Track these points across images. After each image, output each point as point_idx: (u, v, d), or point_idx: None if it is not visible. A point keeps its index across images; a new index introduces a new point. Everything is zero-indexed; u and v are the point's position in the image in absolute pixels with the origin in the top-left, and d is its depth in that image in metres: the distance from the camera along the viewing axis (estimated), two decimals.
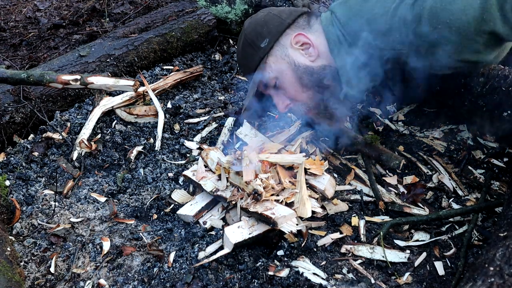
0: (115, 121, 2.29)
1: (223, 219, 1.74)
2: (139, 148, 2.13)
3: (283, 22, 1.88)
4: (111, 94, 2.38)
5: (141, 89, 2.35)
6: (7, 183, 1.89)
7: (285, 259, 1.58)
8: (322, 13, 1.93)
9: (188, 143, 2.16)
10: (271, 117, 2.28)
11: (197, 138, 2.20)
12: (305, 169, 1.77)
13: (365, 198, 1.82)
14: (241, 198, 1.68)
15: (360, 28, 1.76)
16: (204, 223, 1.73)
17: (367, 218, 1.73)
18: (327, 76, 1.87)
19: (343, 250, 1.61)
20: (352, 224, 1.71)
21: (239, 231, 1.57)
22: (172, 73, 2.61)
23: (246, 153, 1.74)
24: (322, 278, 1.51)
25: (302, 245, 1.62)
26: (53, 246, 1.67)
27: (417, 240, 1.65)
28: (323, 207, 1.77)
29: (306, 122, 2.08)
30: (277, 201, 1.65)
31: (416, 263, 1.57)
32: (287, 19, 1.89)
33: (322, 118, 2.00)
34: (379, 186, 1.85)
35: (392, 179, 1.91)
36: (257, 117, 2.18)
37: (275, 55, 1.88)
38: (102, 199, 1.89)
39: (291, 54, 1.87)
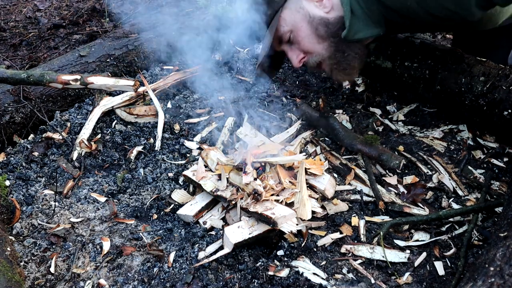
0: (115, 121, 2.29)
1: (223, 219, 1.74)
2: (139, 148, 2.13)
3: None
4: (111, 94, 2.38)
5: (141, 89, 2.35)
6: (7, 183, 1.89)
7: (285, 259, 1.58)
8: None
9: (188, 143, 2.16)
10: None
11: (197, 138, 2.20)
12: (305, 169, 1.77)
13: (365, 198, 1.82)
14: (241, 198, 1.68)
15: None
16: (204, 223, 1.73)
17: (367, 218, 1.73)
18: (342, 27, 1.86)
19: (343, 250, 1.61)
20: (352, 224, 1.71)
21: (239, 231, 1.57)
22: (172, 73, 2.61)
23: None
24: (322, 278, 1.50)
25: (302, 245, 1.62)
26: (53, 246, 1.67)
27: (417, 240, 1.65)
28: (323, 207, 1.77)
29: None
30: (277, 201, 1.65)
31: (416, 263, 1.57)
32: None
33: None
34: (379, 186, 1.84)
35: (392, 179, 1.90)
36: (271, 72, 2.17)
37: (289, 8, 1.88)
38: (102, 199, 1.89)
39: (305, 6, 1.87)
